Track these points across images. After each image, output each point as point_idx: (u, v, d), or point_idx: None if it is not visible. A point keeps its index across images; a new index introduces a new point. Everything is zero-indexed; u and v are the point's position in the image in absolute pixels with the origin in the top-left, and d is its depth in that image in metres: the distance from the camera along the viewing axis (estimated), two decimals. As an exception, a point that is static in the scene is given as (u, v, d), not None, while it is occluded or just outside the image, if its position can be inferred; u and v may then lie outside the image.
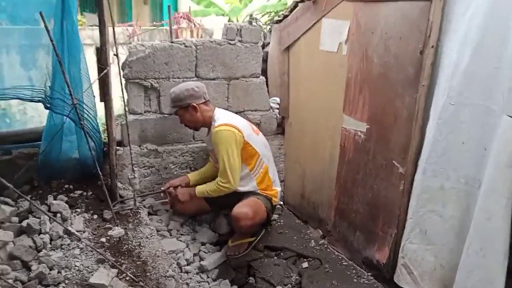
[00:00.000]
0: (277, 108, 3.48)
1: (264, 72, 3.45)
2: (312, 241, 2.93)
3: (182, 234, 3.00)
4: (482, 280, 1.91)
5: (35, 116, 3.77)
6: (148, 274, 2.20)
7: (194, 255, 2.84)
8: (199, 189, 2.83)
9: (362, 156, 2.56)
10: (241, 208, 2.68)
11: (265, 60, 3.47)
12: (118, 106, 2.82)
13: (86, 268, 2.16)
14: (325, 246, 2.88)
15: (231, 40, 3.16)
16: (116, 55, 2.56)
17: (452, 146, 2.00)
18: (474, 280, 1.93)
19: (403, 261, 2.28)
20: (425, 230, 2.18)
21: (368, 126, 2.49)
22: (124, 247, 2.37)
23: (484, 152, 1.90)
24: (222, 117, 2.79)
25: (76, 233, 2.37)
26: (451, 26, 1.96)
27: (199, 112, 2.79)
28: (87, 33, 6.73)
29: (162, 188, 3.02)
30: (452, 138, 1.98)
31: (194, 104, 2.76)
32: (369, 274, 2.54)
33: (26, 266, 2.10)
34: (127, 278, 2.12)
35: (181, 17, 7.53)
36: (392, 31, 2.24)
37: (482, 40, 1.81)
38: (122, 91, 2.69)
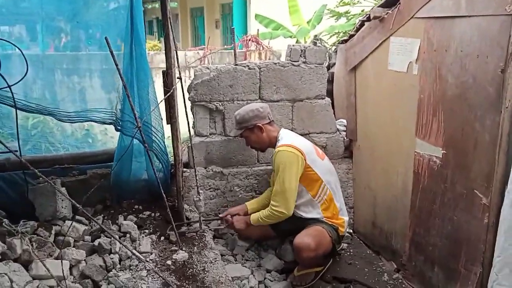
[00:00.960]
0: (344, 131, 3.34)
1: (329, 94, 3.34)
2: (385, 274, 2.72)
3: (247, 260, 2.95)
4: None
5: (115, 136, 3.96)
6: (211, 301, 2.18)
7: (259, 282, 2.76)
8: (253, 216, 2.76)
9: (439, 183, 2.34)
10: (304, 238, 2.56)
11: (330, 81, 3.36)
12: (186, 129, 2.89)
13: (152, 291, 2.18)
14: (400, 281, 2.66)
15: (295, 61, 3.11)
16: (180, 78, 2.63)
17: (546, 176, 1.74)
18: None
19: (491, 304, 2.01)
20: (516, 270, 1.91)
21: (444, 152, 2.27)
22: (189, 271, 2.38)
23: None
24: (286, 138, 2.73)
25: (142, 257, 2.42)
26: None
27: (265, 133, 2.76)
28: (162, 58, 7.06)
29: (220, 215, 3.02)
30: (545, 166, 1.73)
31: (260, 125, 2.74)
32: (450, 316, 2.29)
33: (97, 286, 2.19)
34: (191, 304, 2.11)
35: (249, 40, 7.69)
36: (468, 49, 2.04)
37: None
38: (187, 114, 2.74)
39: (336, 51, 3.40)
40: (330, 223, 2.72)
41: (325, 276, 2.74)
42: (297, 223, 2.71)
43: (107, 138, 4.20)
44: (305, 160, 2.64)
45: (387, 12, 2.61)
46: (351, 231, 3.31)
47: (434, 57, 2.28)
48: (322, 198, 2.72)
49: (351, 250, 3.02)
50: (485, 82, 1.97)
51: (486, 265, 2.06)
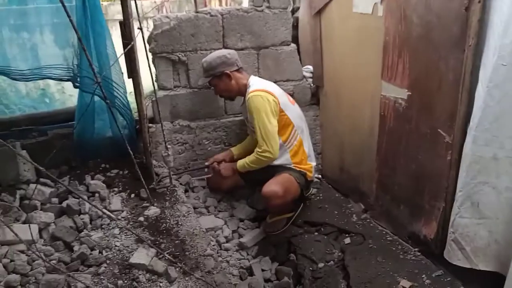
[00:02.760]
0: (311, 77, 3.32)
1: (295, 39, 3.28)
2: (354, 215, 2.83)
3: (220, 211, 2.99)
4: (542, 256, 1.76)
5: (73, 95, 3.80)
6: (187, 253, 2.20)
7: (233, 232, 2.83)
8: (240, 162, 2.76)
9: (404, 125, 2.39)
10: (271, 187, 2.60)
11: (295, 26, 3.29)
12: (149, 83, 2.78)
13: (126, 248, 2.19)
14: (368, 220, 2.77)
15: (259, 6, 3.01)
16: (140, 28, 2.48)
17: (506, 112, 1.79)
18: (533, 256, 1.78)
19: (454, 236, 2.12)
20: (477, 203, 2.01)
21: (410, 93, 2.30)
22: (162, 226, 2.39)
23: (544, 117, 1.70)
24: (257, 83, 2.71)
25: (112, 215, 2.40)
26: (501, -23, 1.72)
27: (233, 80, 2.72)
28: (117, 8, 6.65)
29: (206, 163, 3.01)
30: (505, 103, 1.78)
31: (228, 72, 2.69)
32: (416, 249, 2.41)
33: (69, 247, 2.16)
34: (167, 258, 2.13)
35: (209, -15, 7.34)
36: (433, -13, 2.01)
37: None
38: (149, 66, 2.63)
39: (300, -5, 3.31)
40: (298, 169, 2.76)
41: (296, 221, 2.82)
42: (266, 171, 2.73)
43: (66, 97, 4.03)
44: (278, 103, 2.63)
45: (351, -49, 2.53)
46: (320, 176, 3.39)
47: (399, -3, 2.25)
48: (292, 144, 2.74)
49: (321, 195, 3.11)
50: (449, 21, 1.96)
51: (449, 200, 2.17)
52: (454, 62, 1.98)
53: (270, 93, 2.62)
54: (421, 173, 2.34)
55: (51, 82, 3.95)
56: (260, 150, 2.63)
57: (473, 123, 1.92)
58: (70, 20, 1.77)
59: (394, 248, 2.46)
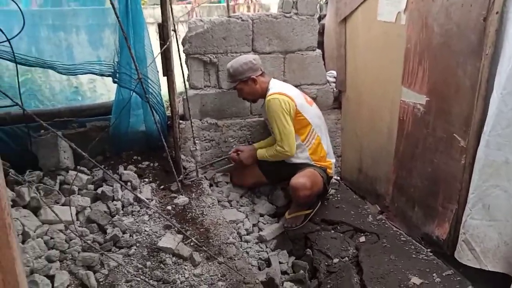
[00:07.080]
0: (334, 82, 3.44)
1: (320, 45, 3.41)
2: (370, 216, 2.92)
3: (241, 205, 3.12)
4: (549, 259, 1.83)
5: (104, 93, 3.95)
6: (210, 240, 2.35)
7: (253, 225, 2.96)
8: (260, 152, 2.95)
9: (421, 129, 2.48)
10: (299, 179, 2.73)
11: (321, 33, 3.42)
12: (180, 83, 2.95)
13: (155, 233, 2.36)
14: (383, 221, 2.86)
15: (287, 13, 3.16)
16: (175, 30, 2.66)
17: (519, 118, 1.88)
18: (541, 259, 1.85)
19: (464, 237, 2.20)
20: (488, 205, 2.09)
21: (428, 99, 2.39)
22: (188, 215, 2.55)
23: (554, 124, 1.77)
24: (276, 87, 2.85)
25: (146, 200, 2.57)
26: (518, -10, 1.81)
27: (258, 84, 2.85)
28: (149, 12, 6.92)
29: (230, 153, 3.16)
30: (518, 109, 1.87)
31: (254, 77, 2.83)
32: (428, 250, 2.49)
33: (102, 229, 2.34)
34: (192, 244, 2.28)
35: (238, -8, 7.53)
36: (453, -2, 2.11)
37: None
38: (182, 66, 2.79)
39: (327, 3, 3.44)
40: (318, 165, 2.88)
41: (314, 218, 2.92)
42: (287, 169, 2.87)
43: (96, 95, 4.21)
44: (295, 105, 2.76)
45: (377, -37, 2.64)
46: (338, 178, 3.49)
47: (421, 7, 2.34)
48: (310, 142, 2.87)
49: (339, 196, 3.21)
50: (468, 30, 2.06)
51: (462, 202, 2.24)
52: (471, 69, 2.07)
53: (287, 96, 2.76)
54: (436, 176, 2.42)
55: (83, 80, 4.15)
56: (279, 146, 2.79)
57: (486, 128, 2.01)
58: (118, 21, 1.96)
59: (407, 248, 2.54)
